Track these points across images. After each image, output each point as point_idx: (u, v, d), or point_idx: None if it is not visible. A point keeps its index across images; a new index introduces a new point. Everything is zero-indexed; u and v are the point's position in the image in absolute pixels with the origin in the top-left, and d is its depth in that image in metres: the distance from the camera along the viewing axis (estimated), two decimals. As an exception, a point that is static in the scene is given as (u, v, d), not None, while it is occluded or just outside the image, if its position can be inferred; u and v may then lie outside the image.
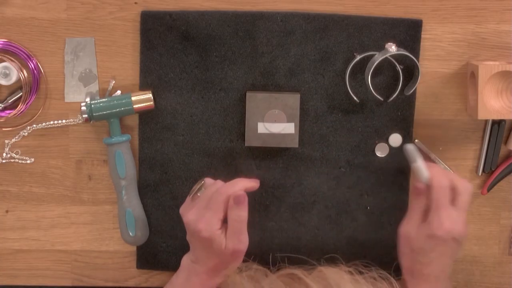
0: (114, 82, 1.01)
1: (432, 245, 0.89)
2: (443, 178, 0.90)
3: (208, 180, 0.94)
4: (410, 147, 0.92)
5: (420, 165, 0.91)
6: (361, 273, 0.97)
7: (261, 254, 1.04)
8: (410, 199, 0.95)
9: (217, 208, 0.89)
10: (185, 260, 0.95)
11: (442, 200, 0.89)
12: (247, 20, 0.98)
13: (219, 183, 0.93)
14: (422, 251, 0.90)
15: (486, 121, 1.01)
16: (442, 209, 0.88)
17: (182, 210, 0.93)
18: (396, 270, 0.99)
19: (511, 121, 1.01)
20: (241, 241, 0.89)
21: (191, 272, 0.93)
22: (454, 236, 0.88)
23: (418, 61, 0.98)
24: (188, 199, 0.94)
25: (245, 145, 1.00)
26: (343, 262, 0.99)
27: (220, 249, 0.89)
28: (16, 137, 1.03)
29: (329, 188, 1.03)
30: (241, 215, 0.89)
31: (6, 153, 1.03)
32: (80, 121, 1.02)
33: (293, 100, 0.99)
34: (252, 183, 0.93)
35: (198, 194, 0.92)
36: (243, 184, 0.91)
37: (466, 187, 0.90)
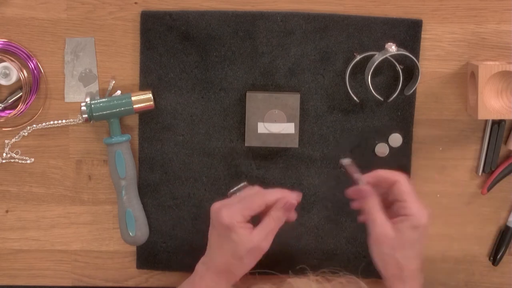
0: (114, 82, 1.01)
1: (417, 235, 0.88)
2: (396, 174, 0.91)
3: (248, 185, 0.93)
4: (347, 161, 0.93)
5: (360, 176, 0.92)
6: (329, 280, 0.97)
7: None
8: (364, 205, 0.91)
9: (248, 206, 0.88)
10: (198, 264, 0.93)
11: (411, 191, 0.89)
12: (247, 20, 0.98)
13: (258, 187, 0.92)
14: (408, 245, 0.88)
15: (486, 121, 1.01)
16: (414, 198, 0.89)
17: (213, 203, 0.91)
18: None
19: (511, 121, 1.01)
20: (267, 240, 0.88)
21: (198, 274, 0.92)
22: (428, 221, 0.89)
23: (418, 61, 0.98)
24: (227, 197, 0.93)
25: (245, 145, 1.00)
26: (310, 272, 0.99)
27: (239, 241, 0.87)
28: (16, 137, 1.03)
29: (329, 188, 1.03)
30: (280, 218, 0.89)
31: (6, 153, 1.03)
32: (80, 121, 1.02)
33: (293, 100, 0.99)
34: (293, 199, 0.90)
35: (237, 194, 0.92)
36: (281, 194, 0.90)
37: (401, 174, 0.91)
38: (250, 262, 0.89)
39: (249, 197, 0.89)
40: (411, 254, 0.89)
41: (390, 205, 0.91)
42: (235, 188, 0.93)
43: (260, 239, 0.88)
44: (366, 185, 0.91)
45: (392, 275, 0.89)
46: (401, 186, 0.90)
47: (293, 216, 0.92)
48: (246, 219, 0.88)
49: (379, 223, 0.89)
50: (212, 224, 0.90)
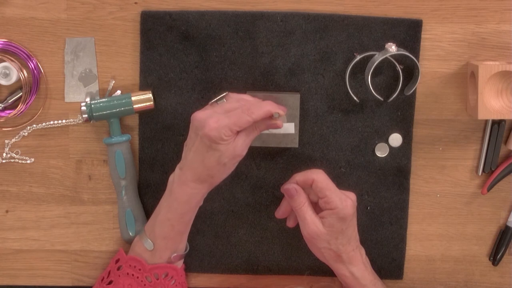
0: (114, 82, 1.01)
1: (346, 224, 0.92)
2: (311, 172, 0.94)
3: (231, 94, 0.92)
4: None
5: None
6: None
7: (262, 254, 1.04)
8: (292, 204, 0.95)
9: (236, 123, 0.88)
10: (174, 175, 0.93)
11: (330, 185, 0.93)
12: (247, 20, 0.98)
13: (243, 99, 0.92)
14: (340, 235, 0.92)
15: (486, 121, 1.01)
16: (334, 191, 0.92)
17: (195, 112, 0.91)
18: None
19: (511, 121, 1.01)
20: (247, 147, 0.90)
21: (176, 186, 0.92)
22: (355, 207, 0.93)
23: (418, 61, 0.98)
24: (208, 106, 0.92)
25: (245, 145, 1.00)
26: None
27: (225, 150, 0.88)
28: (16, 137, 1.03)
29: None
30: (263, 129, 0.91)
31: (6, 153, 1.03)
32: (80, 121, 1.02)
33: (293, 100, 0.99)
34: (278, 110, 0.91)
35: (218, 103, 0.91)
36: (269, 109, 0.90)
37: (316, 171, 0.94)
38: (232, 167, 0.91)
39: (238, 113, 0.88)
40: (344, 241, 0.93)
41: (317, 201, 0.94)
42: (217, 99, 0.91)
43: (244, 148, 0.90)
44: (293, 184, 0.95)
45: (333, 261, 0.94)
46: (318, 183, 0.93)
47: (280, 113, 0.92)
48: (233, 133, 0.88)
49: (309, 222, 0.93)
50: (195, 133, 0.89)
